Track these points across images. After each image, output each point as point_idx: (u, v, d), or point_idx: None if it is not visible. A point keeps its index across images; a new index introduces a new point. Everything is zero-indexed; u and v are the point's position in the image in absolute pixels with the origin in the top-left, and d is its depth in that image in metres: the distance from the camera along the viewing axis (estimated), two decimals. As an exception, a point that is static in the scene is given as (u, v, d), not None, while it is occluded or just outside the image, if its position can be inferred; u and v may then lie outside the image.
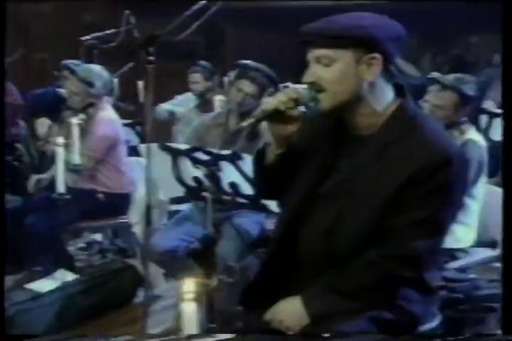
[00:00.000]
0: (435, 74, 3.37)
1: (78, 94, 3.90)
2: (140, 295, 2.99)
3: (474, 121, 3.68)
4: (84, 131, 3.76)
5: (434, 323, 1.97)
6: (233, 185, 2.86)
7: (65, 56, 4.71)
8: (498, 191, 3.21)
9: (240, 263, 3.14)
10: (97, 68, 4.02)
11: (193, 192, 3.04)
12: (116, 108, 4.20)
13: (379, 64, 1.85)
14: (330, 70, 1.85)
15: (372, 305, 1.87)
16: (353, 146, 1.91)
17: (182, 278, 1.57)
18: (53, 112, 4.38)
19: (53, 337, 2.34)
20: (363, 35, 1.82)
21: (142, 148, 3.13)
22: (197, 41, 7.51)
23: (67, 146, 3.53)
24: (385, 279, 1.87)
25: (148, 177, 2.63)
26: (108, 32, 4.54)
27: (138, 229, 3.71)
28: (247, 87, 3.39)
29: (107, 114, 3.95)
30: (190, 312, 1.48)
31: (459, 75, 3.30)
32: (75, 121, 3.63)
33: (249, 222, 3.26)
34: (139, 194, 3.72)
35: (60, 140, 3.43)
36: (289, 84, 4.58)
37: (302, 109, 1.94)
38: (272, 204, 2.75)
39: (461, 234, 3.08)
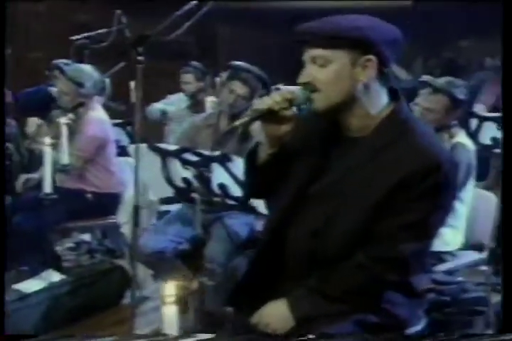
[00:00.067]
0: (427, 78, 3.38)
1: (68, 93, 3.89)
2: (128, 296, 2.98)
3: (464, 125, 3.69)
4: (74, 130, 3.75)
5: (419, 326, 1.97)
6: (222, 187, 2.86)
7: (57, 56, 4.70)
8: (487, 195, 3.23)
9: (225, 266, 3.13)
10: (87, 68, 4.01)
11: (182, 193, 3.04)
12: (108, 108, 4.18)
13: (374, 66, 1.85)
14: (325, 71, 1.85)
15: (358, 309, 1.87)
16: (345, 148, 1.91)
17: (167, 280, 1.57)
18: (44, 111, 4.37)
19: (40, 338, 2.32)
20: (359, 37, 1.82)
21: (131, 148, 3.13)
22: (188, 41, 7.49)
23: (55, 146, 3.51)
24: (371, 283, 1.87)
25: (137, 178, 2.63)
26: (99, 32, 4.53)
27: (127, 230, 3.69)
28: (239, 88, 3.39)
29: (97, 114, 3.94)
30: (171, 314, 1.49)
31: (450, 79, 3.31)
32: (63, 121, 3.62)
33: (239, 224, 3.26)
34: (128, 194, 3.71)
35: (48, 140, 3.41)
36: (280, 86, 4.58)
37: (295, 109, 1.94)
38: (261, 206, 2.75)
39: (449, 237, 3.09)
